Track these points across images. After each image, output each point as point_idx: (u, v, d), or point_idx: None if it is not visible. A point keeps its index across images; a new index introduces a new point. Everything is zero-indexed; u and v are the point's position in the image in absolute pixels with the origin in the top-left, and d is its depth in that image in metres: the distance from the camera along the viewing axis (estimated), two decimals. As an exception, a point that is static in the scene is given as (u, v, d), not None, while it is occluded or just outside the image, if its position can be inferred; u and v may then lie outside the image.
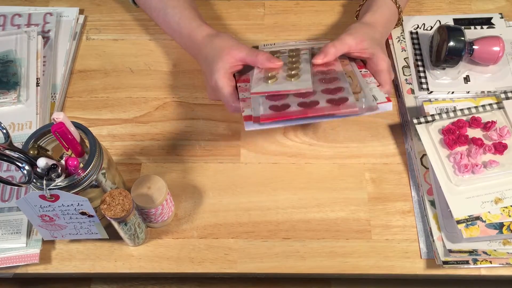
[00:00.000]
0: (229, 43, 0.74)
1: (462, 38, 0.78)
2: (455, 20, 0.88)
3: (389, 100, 0.67)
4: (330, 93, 0.65)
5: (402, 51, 0.86)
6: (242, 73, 0.75)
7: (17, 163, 0.59)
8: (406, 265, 0.71)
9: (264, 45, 0.85)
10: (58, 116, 0.60)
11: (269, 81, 0.69)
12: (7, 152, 0.59)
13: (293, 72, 0.69)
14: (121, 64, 0.88)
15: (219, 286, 0.90)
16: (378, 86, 0.71)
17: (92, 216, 0.64)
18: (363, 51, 0.73)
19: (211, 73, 0.73)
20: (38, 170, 0.60)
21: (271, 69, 0.71)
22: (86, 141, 0.66)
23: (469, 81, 0.82)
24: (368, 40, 0.73)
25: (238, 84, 0.73)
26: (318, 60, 0.70)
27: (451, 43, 0.77)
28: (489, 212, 0.69)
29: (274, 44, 0.84)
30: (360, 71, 0.74)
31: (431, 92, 0.81)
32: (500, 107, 0.77)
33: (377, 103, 0.66)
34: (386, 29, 0.80)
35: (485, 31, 0.86)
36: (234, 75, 0.74)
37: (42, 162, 0.59)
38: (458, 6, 0.93)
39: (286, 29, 0.91)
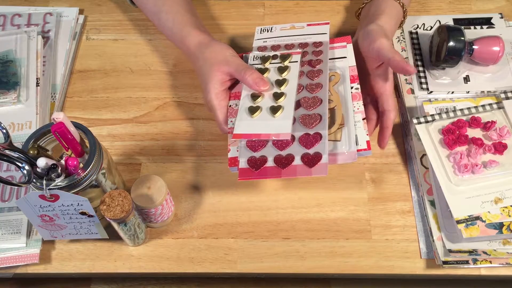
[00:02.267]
0: (219, 56, 0.73)
1: (462, 38, 0.78)
2: (455, 20, 0.88)
3: (369, 148, 0.66)
4: (306, 144, 0.66)
5: (402, 51, 0.86)
6: (235, 84, 0.75)
7: (17, 163, 0.59)
8: (406, 265, 0.71)
9: (261, 30, 0.82)
10: (58, 116, 0.60)
11: (253, 115, 0.70)
12: (7, 152, 0.59)
13: (276, 104, 0.70)
14: (121, 64, 0.88)
15: (219, 286, 0.90)
16: (364, 119, 0.69)
17: (92, 216, 0.64)
18: (382, 56, 0.69)
19: (205, 91, 0.73)
20: (38, 170, 0.60)
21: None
22: (86, 141, 0.66)
23: (469, 81, 0.82)
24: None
25: (229, 103, 0.73)
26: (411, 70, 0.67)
27: (451, 43, 0.77)
28: (489, 212, 0.69)
29: (271, 29, 0.82)
30: (351, 87, 0.72)
31: (431, 92, 0.81)
32: (500, 107, 0.77)
33: (357, 150, 0.66)
34: (393, 34, 0.79)
35: (485, 31, 0.86)
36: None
37: (42, 162, 0.59)
38: (458, 6, 0.93)
39: (286, 29, 0.91)
